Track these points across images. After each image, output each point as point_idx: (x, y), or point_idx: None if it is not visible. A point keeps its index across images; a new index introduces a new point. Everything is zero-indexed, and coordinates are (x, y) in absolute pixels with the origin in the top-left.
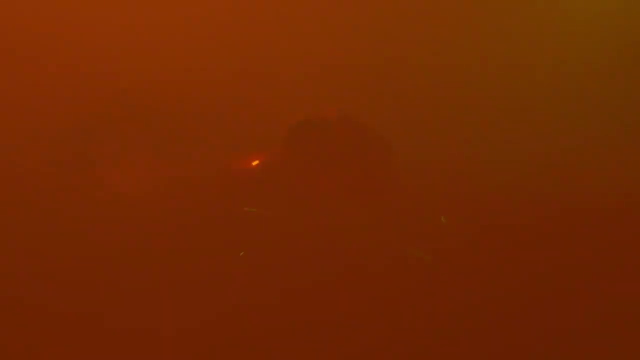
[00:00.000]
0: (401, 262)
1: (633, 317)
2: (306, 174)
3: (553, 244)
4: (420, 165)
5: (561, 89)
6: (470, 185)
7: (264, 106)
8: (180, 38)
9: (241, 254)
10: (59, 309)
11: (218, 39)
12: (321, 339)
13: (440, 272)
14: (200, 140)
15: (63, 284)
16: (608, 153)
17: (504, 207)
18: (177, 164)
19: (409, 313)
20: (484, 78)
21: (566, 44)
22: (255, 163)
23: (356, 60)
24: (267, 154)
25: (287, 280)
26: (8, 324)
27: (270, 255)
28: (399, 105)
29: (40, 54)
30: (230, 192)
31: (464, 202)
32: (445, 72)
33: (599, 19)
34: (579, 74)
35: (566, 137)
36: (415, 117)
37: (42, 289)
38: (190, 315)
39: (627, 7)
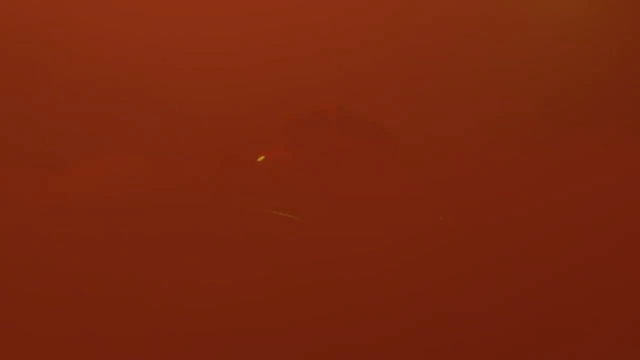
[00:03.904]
0: (400, 257)
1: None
2: (305, 170)
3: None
4: (420, 160)
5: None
6: (470, 183)
7: (263, 102)
8: (180, 35)
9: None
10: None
11: (217, 37)
12: (320, 336)
13: (439, 269)
14: (198, 137)
15: (60, 283)
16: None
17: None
18: (177, 160)
19: (408, 309)
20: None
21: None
22: (254, 157)
23: (355, 57)
24: (266, 148)
25: (286, 278)
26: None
27: (269, 253)
28: (398, 100)
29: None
30: (228, 188)
31: (464, 199)
32: (446, 72)
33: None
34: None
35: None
36: (414, 114)
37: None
38: (189, 314)
39: None
